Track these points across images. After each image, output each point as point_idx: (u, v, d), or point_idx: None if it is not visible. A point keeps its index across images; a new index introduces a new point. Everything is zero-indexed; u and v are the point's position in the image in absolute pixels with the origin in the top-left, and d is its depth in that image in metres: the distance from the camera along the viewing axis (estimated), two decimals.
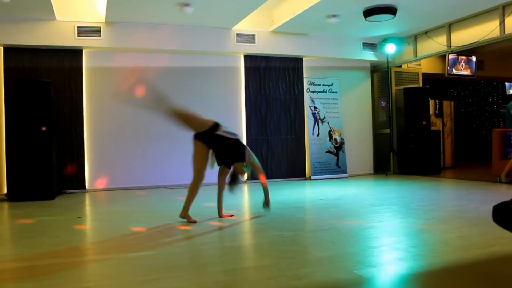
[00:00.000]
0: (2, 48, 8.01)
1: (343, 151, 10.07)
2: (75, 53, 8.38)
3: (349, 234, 4.22)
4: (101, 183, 8.52)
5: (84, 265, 3.54)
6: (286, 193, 7.57)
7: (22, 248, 4.08)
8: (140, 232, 4.57)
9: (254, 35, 9.20)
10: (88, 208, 6.76)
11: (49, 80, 7.69)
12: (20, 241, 4.45)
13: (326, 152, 9.93)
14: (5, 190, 7.72)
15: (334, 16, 8.25)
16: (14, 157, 7.35)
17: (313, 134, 9.87)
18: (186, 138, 8.91)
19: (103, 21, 8.24)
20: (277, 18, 8.97)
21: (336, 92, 10.17)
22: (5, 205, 6.95)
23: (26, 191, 7.21)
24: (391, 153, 10.25)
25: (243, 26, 8.99)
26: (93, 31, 8.24)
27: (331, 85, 10.15)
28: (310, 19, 8.46)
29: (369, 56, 10.24)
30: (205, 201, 5.99)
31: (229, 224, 4.95)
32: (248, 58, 9.44)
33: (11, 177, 7.39)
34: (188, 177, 8.73)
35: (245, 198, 7.44)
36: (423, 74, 11.13)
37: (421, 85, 10.89)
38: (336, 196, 7.13)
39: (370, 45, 10.19)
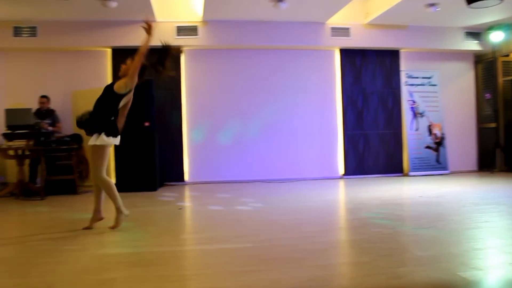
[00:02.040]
0: (110, 50, 8.64)
1: (443, 147, 9.60)
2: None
3: (451, 234, 4.02)
4: (200, 176, 8.89)
5: (185, 254, 3.72)
6: (383, 189, 7.39)
7: (129, 235, 4.39)
8: (238, 224, 4.70)
9: (348, 29, 9.05)
10: (188, 199, 7.08)
11: (151, 78, 8.12)
12: (127, 228, 4.77)
13: (426, 147, 9.52)
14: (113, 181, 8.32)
15: (433, 5, 7.87)
16: (120, 151, 7.89)
17: (411, 129, 9.51)
18: (283, 134, 9.10)
19: (200, 20, 8.56)
20: (372, 10, 8.74)
21: (435, 85, 9.71)
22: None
23: (131, 183, 7.75)
24: (498, 149, 9.57)
25: (337, 20, 8.88)
26: (191, 30, 8.60)
27: (431, 77, 9.71)
28: (407, 9, 8.15)
29: (472, 45, 9.64)
30: (301, 195, 6.00)
31: (325, 219, 4.93)
32: (343, 52, 9.31)
33: (118, 169, 7.96)
34: (285, 172, 8.99)
35: (341, 193, 7.37)
36: None
37: None
38: (436, 193, 6.82)
39: (474, 34, 9.59)
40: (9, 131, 7.38)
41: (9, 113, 7.50)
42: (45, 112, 7.97)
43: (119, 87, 4.52)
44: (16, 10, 7.68)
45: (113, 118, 4.57)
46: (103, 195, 4.67)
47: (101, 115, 4.51)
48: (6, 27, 8.23)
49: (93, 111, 4.57)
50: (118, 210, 4.57)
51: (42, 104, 7.98)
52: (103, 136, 4.41)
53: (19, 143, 7.41)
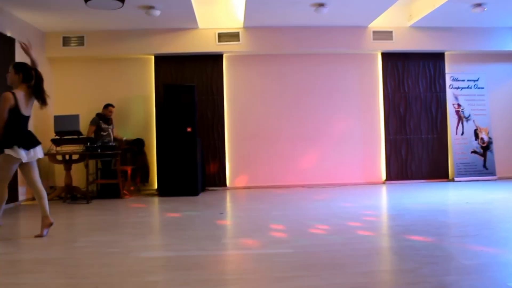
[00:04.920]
0: (153, 57, 8.84)
1: (491, 151, 9.28)
2: (216, 58, 8.92)
3: (500, 242, 3.88)
4: (241, 181, 8.93)
5: (226, 259, 3.75)
6: (427, 195, 7.21)
7: (171, 239, 4.46)
8: (279, 230, 4.70)
9: (391, 32, 8.90)
10: (229, 204, 7.13)
11: (193, 84, 8.29)
12: (169, 232, 4.86)
13: (472, 152, 9.23)
14: (155, 186, 8.53)
15: (479, 5, 7.62)
16: (163, 156, 8.05)
17: (456, 133, 9.25)
18: (323, 139, 9.04)
19: (242, 26, 8.64)
20: (415, 12, 8.57)
21: (482, 88, 9.40)
22: (156, 199, 7.65)
23: (173, 187, 7.88)
24: None
25: (380, 23, 8.74)
26: (233, 37, 8.69)
27: (477, 80, 9.41)
28: (452, 11, 7.94)
29: None
30: (343, 201, 5.94)
31: (367, 225, 4.86)
32: (385, 55, 9.16)
33: (161, 174, 8.10)
34: (327, 177, 8.92)
35: (383, 199, 7.25)
36: None
37: None
38: (483, 200, 6.60)
39: None
40: (57, 137, 7.66)
41: (58, 119, 7.78)
42: (109, 119, 8.27)
43: None
44: (65, 21, 7.97)
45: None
46: (46, 200, 4.63)
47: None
48: (55, 38, 8.55)
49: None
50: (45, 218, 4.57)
51: (110, 113, 8.29)
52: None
53: (67, 148, 7.68)
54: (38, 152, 4.67)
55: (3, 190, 4.53)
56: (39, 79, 4.69)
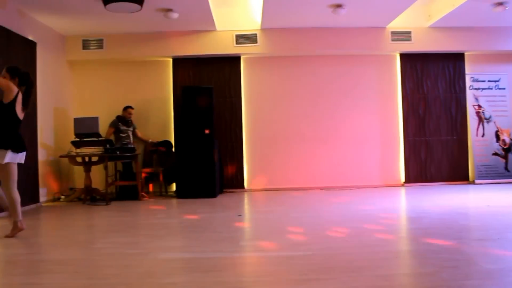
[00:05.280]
0: (171, 59, 8.90)
1: None
2: (234, 60, 8.95)
3: None
4: (258, 183, 8.93)
5: (244, 261, 3.75)
6: (447, 197, 7.12)
7: (190, 241, 4.48)
8: (296, 232, 4.69)
9: (410, 32, 8.82)
10: (246, 206, 7.13)
11: (211, 86, 8.32)
12: (188, 234, 4.88)
13: (493, 154, 9.08)
14: (173, 188, 8.62)
15: (500, 4, 7.50)
16: (181, 157, 8.08)
17: (477, 135, 9.11)
18: (341, 141, 8.99)
19: (259, 28, 8.64)
20: (435, 12, 8.47)
21: (504, 89, 9.25)
22: (174, 201, 7.70)
23: (191, 189, 7.91)
24: None
25: (398, 24, 8.67)
26: (250, 38, 8.70)
27: (498, 81, 9.26)
28: (472, 10, 7.83)
29: None
30: (361, 203, 5.90)
31: (386, 228, 4.81)
32: (404, 56, 9.08)
33: (179, 176, 8.13)
34: (345, 179, 8.87)
35: (402, 201, 7.19)
36: None
37: None
38: (505, 203, 6.49)
39: None
40: (77, 139, 7.76)
41: (78, 121, 7.88)
42: (129, 121, 8.35)
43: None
44: (85, 24, 8.08)
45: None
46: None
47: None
48: (75, 41, 8.66)
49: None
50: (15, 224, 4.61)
51: (130, 115, 8.37)
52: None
53: (86, 150, 7.77)
54: (22, 158, 4.72)
55: (10, 192, 4.59)
56: (31, 84, 4.79)
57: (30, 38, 7.27)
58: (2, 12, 6.51)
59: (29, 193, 7.04)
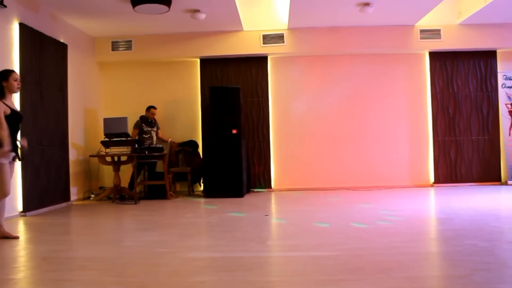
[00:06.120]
0: (198, 60, 8.97)
1: None
2: (261, 60, 8.96)
3: None
4: (286, 183, 8.92)
5: (271, 260, 3.75)
6: (478, 198, 6.97)
7: (217, 240, 4.50)
8: (324, 232, 4.66)
9: (439, 30, 8.66)
10: (274, 206, 7.13)
11: (238, 86, 8.35)
12: (215, 233, 4.91)
13: None
14: (201, 187, 8.70)
15: None
16: (209, 157, 8.13)
17: (509, 135, 8.89)
18: (369, 140, 8.91)
19: (286, 27, 8.63)
20: (465, 9, 8.30)
21: None
22: (201, 200, 7.75)
23: (218, 189, 7.97)
24: None
25: (427, 21, 8.53)
26: (277, 38, 8.70)
27: None
28: (505, 6, 7.63)
29: None
30: (390, 204, 5.83)
31: (415, 229, 4.75)
32: (433, 54, 8.93)
33: (206, 175, 8.19)
34: (373, 179, 8.78)
35: (431, 202, 7.07)
36: None
37: None
38: None
39: None
40: (106, 139, 7.89)
41: (107, 122, 8.02)
42: (153, 121, 8.45)
43: None
44: (114, 26, 8.22)
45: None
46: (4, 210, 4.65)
47: None
48: (105, 43, 8.82)
49: None
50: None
51: (153, 115, 8.48)
52: None
53: (115, 150, 7.90)
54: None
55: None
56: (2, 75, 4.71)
57: (61, 40, 7.44)
58: (35, 16, 6.68)
59: (61, 192, 7.21)
